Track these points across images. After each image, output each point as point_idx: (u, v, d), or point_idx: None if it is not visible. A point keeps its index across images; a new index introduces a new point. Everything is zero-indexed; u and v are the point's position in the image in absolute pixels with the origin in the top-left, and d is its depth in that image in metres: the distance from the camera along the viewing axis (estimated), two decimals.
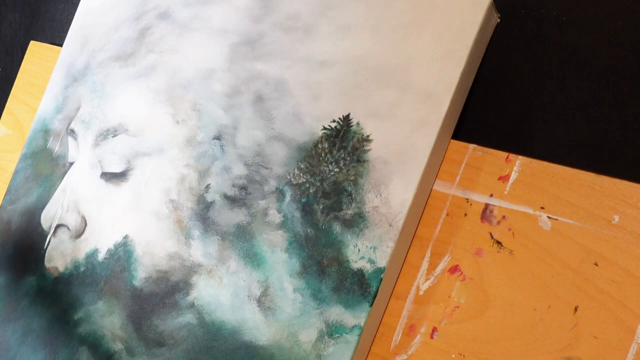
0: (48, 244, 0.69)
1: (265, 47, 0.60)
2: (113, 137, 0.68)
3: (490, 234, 0.47)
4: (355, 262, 0.50)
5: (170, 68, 0.66)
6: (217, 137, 0.61)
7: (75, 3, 0.76)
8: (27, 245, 0.70)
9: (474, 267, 0.47)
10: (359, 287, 0.50)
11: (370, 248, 0.50)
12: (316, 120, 0.55)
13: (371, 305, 0.49)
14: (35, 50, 0.82)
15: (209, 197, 0.60)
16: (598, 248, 0.43)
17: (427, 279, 0.49)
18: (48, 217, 0.70)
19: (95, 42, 0.73)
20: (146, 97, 0.67)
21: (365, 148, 0.52)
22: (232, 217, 0.58)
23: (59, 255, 0.67)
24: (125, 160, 0.66)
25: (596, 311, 0.42)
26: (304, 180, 0.55)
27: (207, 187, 0.60)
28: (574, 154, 0.46)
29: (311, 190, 0.54)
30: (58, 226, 0.69)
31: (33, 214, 0.71)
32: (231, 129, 0.60)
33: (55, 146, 0.73)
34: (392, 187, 0.50)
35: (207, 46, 0.64)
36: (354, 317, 0.49)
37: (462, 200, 0.49)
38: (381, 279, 0.49)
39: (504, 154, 0.48)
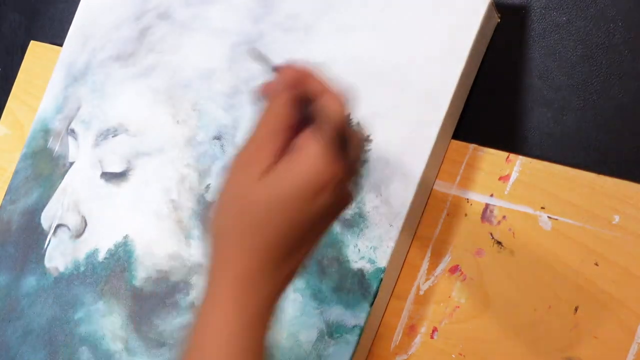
0: (48, 244, 0.69)
1: (265, 47, 0.60)
2: (113, 137, 0.67)
3: (491, 234, 0.47)
4: (356, 262, 0.50)
5: (171, 68, 0.66)
6: (217, 137, 0.61)
7: (75, 3, 0.76)
8: (27, 245, 0.70)
9: (475, 267, 0.47)
10: (359, 287, 0.50)
11: (371, 248, 0.50)
12: None
13: (371, 305, 0.49)
14: (35, 50, 0.82)
15: (209, 197, 0.60)
16: (598, 248, 0.43)
17: (427, 279, 0.49)
18: (48, 217, 0.70)
19: (95, 42, 0.73)
20: (146, 97, 0.67)
21: (365, 148, 0.52)
22: None
23: (59, 255, 0.67)
24: (126, 160, 0.66)
25: (596, 311, 0.42)
26: None
27: (208, 187, 0.60)
28: (574, 154, 0.46)
29: None
30: (58, 226, 0.69)
31: (33, 214, 0.71)
32: (231, 129, 0.60)
33: (55, 146, 0.73)
34: (392, 187, 0.50)
35: (207, 46, 0.64)
36: (354, 317, 0.49)
37: (462, 200, 0.49)
38: (381, 279, 0.49)
39: (504, 154, 0.48)
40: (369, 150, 0.52)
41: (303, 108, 0.31)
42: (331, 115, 0.30)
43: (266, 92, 0.31)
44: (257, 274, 0.30)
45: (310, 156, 0.29)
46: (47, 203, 0.70)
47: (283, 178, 0.29)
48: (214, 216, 0.32)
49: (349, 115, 0.33)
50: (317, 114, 0.31)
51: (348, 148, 0.31)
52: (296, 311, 0.52)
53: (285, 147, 0.30)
